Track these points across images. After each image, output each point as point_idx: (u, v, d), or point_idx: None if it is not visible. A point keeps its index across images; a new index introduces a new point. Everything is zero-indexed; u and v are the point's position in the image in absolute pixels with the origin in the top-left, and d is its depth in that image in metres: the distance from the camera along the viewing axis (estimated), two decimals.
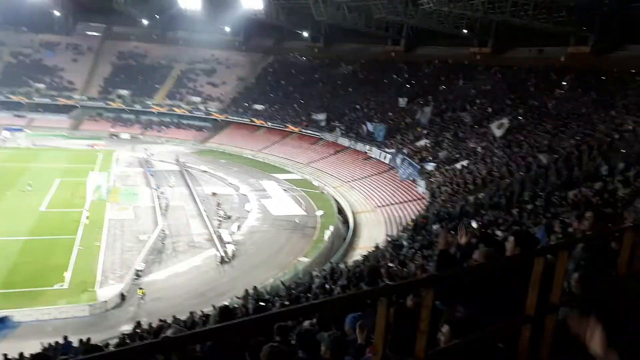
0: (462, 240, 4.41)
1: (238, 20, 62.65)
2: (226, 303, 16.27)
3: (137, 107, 63.17)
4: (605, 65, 34.61)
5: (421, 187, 32.23)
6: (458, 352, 2.64)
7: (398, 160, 36.98)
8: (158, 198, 34.90)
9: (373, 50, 58.38)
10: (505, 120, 32.83)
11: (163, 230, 29.06)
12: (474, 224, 18.35)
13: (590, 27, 36.56)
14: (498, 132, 32.25)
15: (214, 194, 37.06)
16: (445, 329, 2.94)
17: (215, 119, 61.33)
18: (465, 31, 46.17)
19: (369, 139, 44.08)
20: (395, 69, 54.19)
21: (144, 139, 59.06)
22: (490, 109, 37.51)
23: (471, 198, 24.02)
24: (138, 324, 16.96)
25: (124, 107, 63.18)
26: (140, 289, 21.85)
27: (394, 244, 22.17)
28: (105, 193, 35.61)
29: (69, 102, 62.16)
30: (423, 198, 30.80)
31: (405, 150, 37.49)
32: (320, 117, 51.06)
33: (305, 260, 25.74)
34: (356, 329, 3.93)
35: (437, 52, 51.57)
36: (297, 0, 57.45)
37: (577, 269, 3.74)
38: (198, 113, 61.92)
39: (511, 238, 4.08)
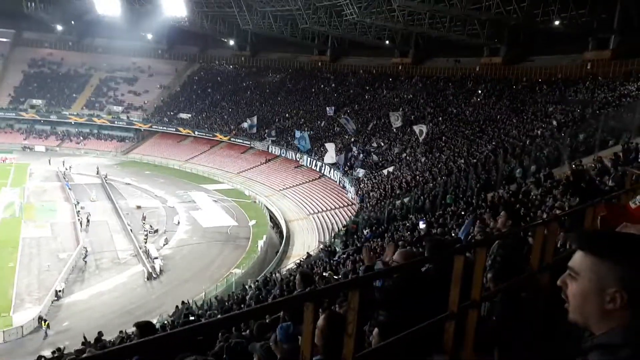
0: (387, 258, 4.49)
1: (161, 27, 60.86)
2: (147, 319, 15.67)
3: (53, 117, 59.42)
4: (515, 75, 37.32)
5: (351, 193, 32.91)
6: (386, 353, 2.74)
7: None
8: (78, 213, 32.98)
9: (300, 59, 58.96)
10: (423, 127, 34.35)
11: (85, 247, 27.48)
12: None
13: (500, 40, 39.22)
14: (420, 136, 33.70)
15: (138, 207, 35.65)
16: (375, 332, 3.05)
17: (139, 129, 59.04)
18: (387, 42, 47.92)
19: (299, 147, 44.39)
20: (323, 78, 55.04)
21: (61, 151, 55.66)
22: (412, 117, 39.07)
23: (398, 202, 24.86)
24: (58, 350, 15.91)
25: (38, 117, 59.18)
26: (44, 320, 19.82)
27: (326, 250, 22.45)
28: (18, 210, 33.23)
29: None
30: (353, 204, 31.46)
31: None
32: (251, 123, 50.62)
33: (239, 272, 25.38)
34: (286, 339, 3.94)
35: (362, 62, 53.04)
36: (222, 9, 56.90)
37: (492, 266, 4.03)
38: (120, 123, 59.29)
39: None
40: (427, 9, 38.53)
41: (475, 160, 24.70)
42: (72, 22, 64.53)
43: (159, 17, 57.60)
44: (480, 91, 37.96)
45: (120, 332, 16.03)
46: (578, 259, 1.22)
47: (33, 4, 58.21)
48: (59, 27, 65.22)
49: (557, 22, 32.53)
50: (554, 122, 24.97)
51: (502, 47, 39.71)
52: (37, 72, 64.48)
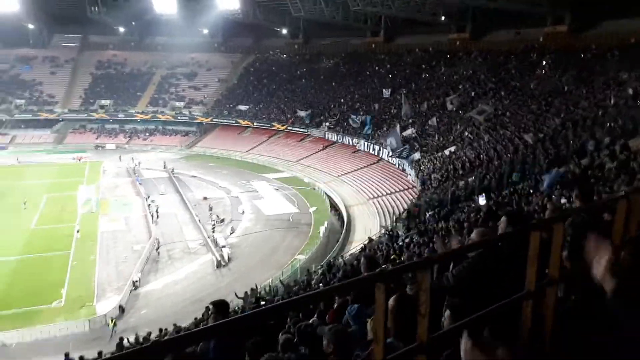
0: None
1: (215, 21, 62.36)
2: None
3: (121, 116, 62.67)
4: (582, 43, 34.97)
5: (411, 176, 32.39)
6: (460, 334, 2.67)
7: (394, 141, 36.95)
8: (149, 207, 34.69)
9: (353, 43, 58.40)
10: (486, 107, 33.11)
11: (157, 239, 28.90)
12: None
13: (564, 6, 36.87)
14: (481, 118, 32.54)
15: (205, 198, 36.95)
16: (447, 314, 2.99)
17: (200, 123, 61.05)
18: (442, 18, 46.39)
19: (357, 132, 44.18)
20: (377, 60, 54.27)
21: (130, 148, 58.60)
22: (473, 94, 37.73)
23: (461, 183, 24.20)
24: (142, 336, 16.88)
25: (107, 117, 62.61)
26: (112, 319, 20.45)
27: (389, 234, 22.29)
28: (95, 205, 35.40)
29: (51, 116, 61.46)
30: (414, 187, 30.97)
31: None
32: (305, 113, 51.02)
33: (302, 257, 25.78)
34: (355, 321, 3.93)
35: (417, 40, 51.71)
36: None
37: (568, 244, 3.82)
38: (182, 118, 61.57)
39: (504, 218, 4.21)
40: None
41: (542, 135, 23.52)
42: (133, 23, 67.42)
43: (213, 12, 58.98)
44: (545, 62, 35.95)
45: (195, 318, 16.75)
46: None
47: (96, 8, 61.22)
48: (121, 29, 68.32)
49: None
50: (630, 91, 23.22)
51: (566, 14, 37.32)
52: (104, 73, 68.07)
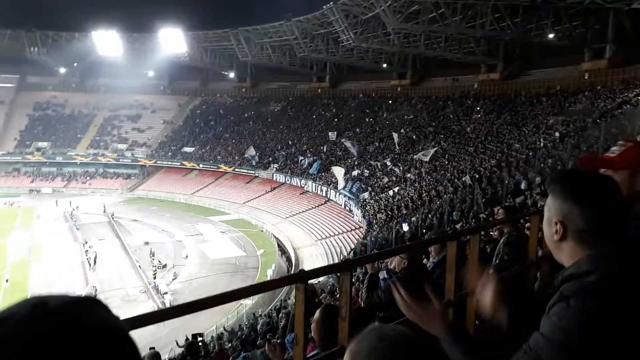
0: (392, 264, 4.41)
1: (161, 64, 62.10)
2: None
3: (59, 159, 60.09)
4: (513, 89, 37.53)
5: (358, 216, 32.78)
6: None
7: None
8: (86, 253, 32.96)
9: (300, 87, 59.71)
10: (431, 150, 34.52)
11: (94, 287, 27.34)
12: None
13: (496, 56, 39.63)
14: (425, 158, 33.75)
15: (146, 243, 35.57)
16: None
17: (144, 165, 59.52)
18: (384, 65, 48.52)
19: (305, 173, 44.53)
20: (323, 104, 55.59)
21: (68, 191, 56.01)
22: (414, 137, 39.22)
23: (405, 222, 24.72)
24: None
25: (44, 160, 59.87)
26: None
27: (337, 276, 22.22)
28: (27, 253, 33.29)
29: None
30: (360, 227, 31.30)
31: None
32: (253, 153, 50.97)
33: (248, 302, 25.10)
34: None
35: (361, 86, 53.64)
36: (220, 43, 58.08)
37: (500, 263, 4.04)
38: (125, 160, 59.83)
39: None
40: (422, 30, 39.13)
41: (478, 176, 24.63)
42: (75, 64, 65.87)
43: (159, 54, 58.80)
44: (480, 107, 38.15)
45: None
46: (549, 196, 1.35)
47: (36, 49, 59.55)
48: (62, 70, 66.56)
49: (551, 36, 32.89)
50: (556, 134, 24.95)
51: (498, 63, 40.10)
52: (42, 115, 65.57)
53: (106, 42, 58.63)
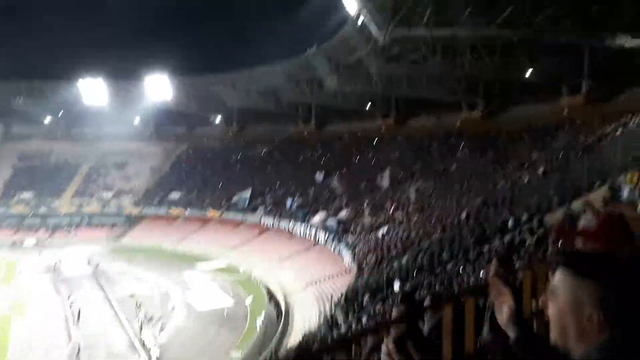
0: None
1: (147, 111, 62.42)
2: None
3: (43, 210, 59.15)
4: (495, 127, 38.09)
5: (347, 259, 32.35)
6: None
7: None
8: (70, 307, 31.91)
9: (286, 130, 60.16)
10: (418, 186, 34.64)
11: (77, 343, 26.29)
12: (396, 286, 19.00)
13: (477, 95, 40.46)
14: (413, 196, 33.83)
15: (132, 295, 34.61)
16: None
17: (129, 214, 58.76)
18: (368, 106, 49.31)
19: (293, 216, 44.19)
20: (309, 146, 55.92)
21: (52, 243, 54.78)
22: (400, 176, 39.37)
23: (395, 264, 24.39)
24: None
25: (27, 211, 58.88)
26: None
27: (327, 323, 21.72)
28: (7, 308, 32.17)
29: None
30: (350, 270, 30.82)
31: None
32: (243, 197, 50.66)
33: (238, 355, 24.30)
34: None
35: (346, 127, 54.19)
36: (206, 88, 58.73)
37: (490, 318, 3.85)
38: (110, 209, 59.07)
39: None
40: (404, 71, 40.02)
41: (466, 215, 24.57)
42: (61, 113, 65.89)
43: (145, 101, 59.17)
44: (462, 146, 38.56)
45: None
46: (558, 277, 1.26)
47: (21, 99, 59.57)
48: (48, 119, 66.51)
49: (528, 73, 33.75)
50: (540, 170, 25.16)
51: (479, 101, 40.88)
52: (27, 165, 64.99)
53: (92, 90, 59.01)
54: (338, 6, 34.98)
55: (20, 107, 60.65)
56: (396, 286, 19.57)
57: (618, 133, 24.39)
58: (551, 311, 1.28)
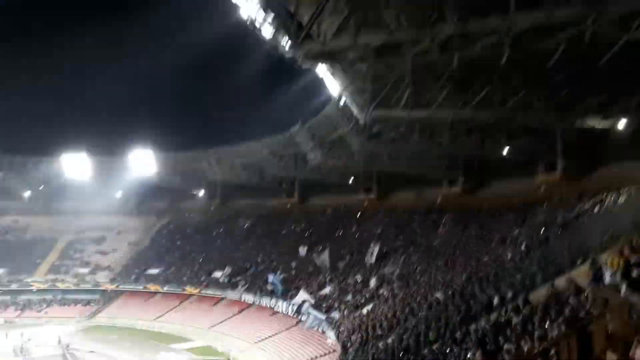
0: None
1: (130, 184, 62.20)
2: None
3: (14, 286, 56.63)
4: (476, 203, 38.67)
5: (331, 338, 31.22)
6: None
7: (303, 308, 36.11)
8: None
9: (269, 203, 60.23)
10: (392, 267, 34.48)
11: None
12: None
13: (456, 171, 41.45)
14: (392, 276, 33.50)
15: None
16: None
17: (105, 290, 56.66)
18: (351, 181, 50.00)
19: (274, 292, 43.04)
20: (292, 220, 55.76)
21: (21, 321, 52.06)
22: (384, 250, 39.14)
23: (381, 344, 23.59)
24: None
25: None
26: None
27: None
28: None
29: None
30: (335, 350, 29.66)
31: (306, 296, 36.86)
32: (222, 273, 49.42)
33: None
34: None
35: (329, 201, 54.53)
36: (190, 163, 59.21)
37: None
38: (85, 285, 56.91)
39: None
40: (384, 148, 41.03)
41: (451, 292, 24.24)
42: (40, 188, 65.21)
43: (128, 175, 59.10)
44: (444, 221, 38.84)
45: None
46: None
47: (1, 174, 59.00)
48: (27, 194, 65.66)
49: (505, 151, 34.87)
50: (523, 246, 25.27)
51: (459, 177, 41.79)
52: (1, 240, 63.13)
53: (75, 165, 58.91)
54: (321, 87, 36.44)
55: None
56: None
57: (595, 210, 24.91)
58: None
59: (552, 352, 10.55)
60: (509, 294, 19.72)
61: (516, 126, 33.16)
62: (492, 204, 36.87)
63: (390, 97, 31.35)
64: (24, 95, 69.92)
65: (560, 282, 17.20)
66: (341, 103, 35.55)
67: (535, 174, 35.88)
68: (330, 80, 31.63)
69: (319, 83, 35.05)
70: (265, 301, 43.37)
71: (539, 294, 17.78)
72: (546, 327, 13.11)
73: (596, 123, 27.55)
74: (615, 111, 26.82)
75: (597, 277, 15.39)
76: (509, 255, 25.26)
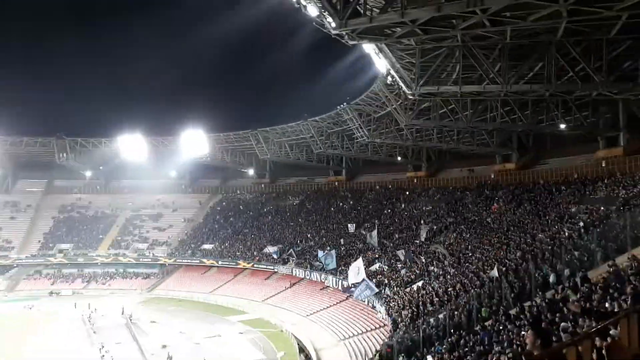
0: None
1: (183, 165, 64.35)
2: None
3: (80, 260, 60.52)
4: (531, 179, 37.55)
5: (381, 313, 31.62)
6: None
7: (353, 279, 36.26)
8: (102, 357, 31.99)
9: (317, 181, 60.86)
10: (438, 246, 34.26)
11: None
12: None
13: (510, 147, 40.23)
14: (444, 251, 33.28)
15: (164, 346, 34.50)
16: None
17: (163, 264, 59.48)
18: (399, 158, 49.51)
19: (323, 268, 43.79)
20: (340, 197, 56.16)
21: (88, 293, 55.74)
22: (435, 227, 38.86)
23: (432, 320, 23.70)
24: None
25: (65, 262, 60.34)
26: None
27: None
28: (45, 358, 32.48)
29: (5, 263, 58.82)
30: (385, 325, 30.06)
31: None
32: (273, 249, 50.73)
33: None
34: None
35: (377, 178, 54.47)
36: (240, 143, 60.40)
37: None
38: (145, 259, 59.99)
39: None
40: (434, 125, 40.30)
41: (505, 269, 23.91)
42: (100, 168, 68.58)
43: (181, 156, 61.08)
44: (498, 197, 37.99)
45: None
46: None
47: (64, 155, 62.46)
48: (88, 173, 69.23)
49: (562, 126, 33.47)
50: (581, 223, 24.48)
51: (513, 153, 40.58)
52: (66, 217, 67.27)
53: (131, 145, 61.38)
54: (368, 64, 36.04)
55: (63, 162, 63.53)
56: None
57: None
58: None
59: (612, 330, 10.39)
60: (566, 272, 19.29)
61: (573, 100, 31.73)
62: (548, 179, 35.70)
63: (440, 73, 30.69)
64: (83, 81, 73.53)
65: (622, 259, 16.66)
66: (389, 80, 35.11)
67: (595, 149, 34.33)
68: (378, 57, 31.25)
69: (366, 60, 34.77)
70: (316, 275, 44.24)
71: (599, 272, 17.31)
72: (606, 305, 12.84)
73: None
74: None
75: None
76: (566, 233, 24.54)
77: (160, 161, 63.57)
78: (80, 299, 51.99)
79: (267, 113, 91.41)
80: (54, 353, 33.85)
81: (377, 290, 33.00)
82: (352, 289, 34.78)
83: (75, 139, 62.23)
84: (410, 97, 32.82)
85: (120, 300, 50.95)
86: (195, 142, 59.44)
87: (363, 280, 33.56)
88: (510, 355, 12.19)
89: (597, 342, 4.81)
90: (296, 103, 76.35)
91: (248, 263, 52.78)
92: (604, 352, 4.73)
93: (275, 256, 49.99)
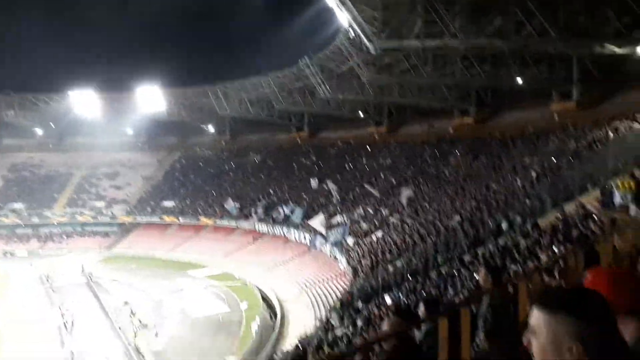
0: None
1: (139, 121, 62.36)
2: None
3: (35, 220, 58.63)
4: (488, 133, 38.46)
5: (342, 264, 32.45)
6: None
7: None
8: (63, 316, 31.67)
9: (279, 137, 60.31)
10: (409, 191, 34.87)
11: (71, 352, 26.12)
12: (388, 299, 19.20)
13: (468, 101, 40.93)
14: (404, 200, 34.10)
15: (126, 303, 34.41)
16: None
17: (122, 223, 58.47)
18: (361, 114, 49.62)
19: (286, 223, 44.17)
20: (302, 153, 56.09)
21: (45, 253, 54.40)
22: (394, 181, 39.65)
23: (390, 268, 24.54)
24: None
25: (18, 221, 58.37)
26: None
27: (322, 327, 21.78)
28: (1, 318, 31.81)
29: None
30: (345, 274, 30.92)
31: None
32: (231, 205, 50.54)
33: (234, 359, 24.26)
34: None
35: (339, 134, 54.47)
36: (199, 98, 58.86)
37: (484, 326, 3.96)
38: (102, 218, 58.76)
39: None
40: (395, 80, 40.43)
41: (460, 219, 24.80)
42: (52, 125, 65.62)
43: (137, 112, 59.12)
44: (456, 151, 38.91)
45: None
46: (535, 315, 1.26)
47: (12, 112, 59.27)
48: (39, 131, 66.19)
49: (519, 81, 34.22)
50: (533, 173, 25.48)
51: (471, 107, 41.34)
52: (18, 176, 64.57)
53: (83, 101, 58.84)
54: (330, 18, 35.39)
55: (12, 120, 60.31)
56: (388, 300, 19.84)
57: (610, 138, 24.81)
58: (534, 349, 1.27)
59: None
60: (518, 220, 20.20)
61: (530, 54, 32.36)
62: (505, 133, 36.69)
63: (402, 27, 30.52)
64: (31, 34, 69.11)
65: (570, 207, 17.54)
66: (351, 34, 34.69)
67: (549, 102, 35.35)
68: (339, 10, 30.71)
69: (327, 13, 34.10)
70: (278, 230, 44.61)
71: (548, 219, 18.21)
72: (553, 248, 13.58)
73: (614, 49, 26.74)
74: (636, 37, 25.93)
75: (607, 200, 15.69)
76: (519, 183, 25.53)
77: (116, 118, 61.44)
78: (37, 258, 50.78)
79: (226, 68, 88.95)
80: (12, 314, 33.22)
81: (347, 226, 33.86)
82: (318, 240, 35.59)
83: (24, 96, 58.99)
84: (372, 52, 32.63)
85: (79, 259, 50.11)
86: (151, 98, 57.57)
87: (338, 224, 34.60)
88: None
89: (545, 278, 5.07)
90: (257, 58, 74.60)
91: (210, 219, 52.55)
92: (555, 273, 5.00)
93: (233, 213, 49.88)
